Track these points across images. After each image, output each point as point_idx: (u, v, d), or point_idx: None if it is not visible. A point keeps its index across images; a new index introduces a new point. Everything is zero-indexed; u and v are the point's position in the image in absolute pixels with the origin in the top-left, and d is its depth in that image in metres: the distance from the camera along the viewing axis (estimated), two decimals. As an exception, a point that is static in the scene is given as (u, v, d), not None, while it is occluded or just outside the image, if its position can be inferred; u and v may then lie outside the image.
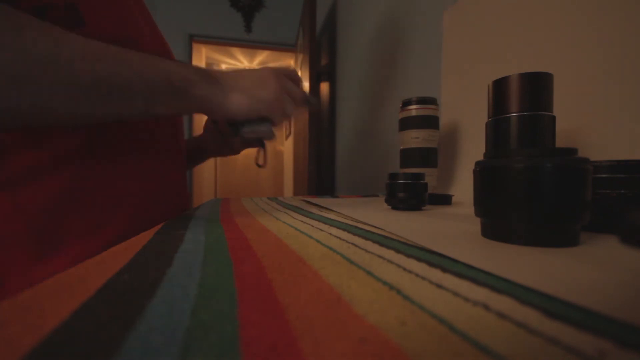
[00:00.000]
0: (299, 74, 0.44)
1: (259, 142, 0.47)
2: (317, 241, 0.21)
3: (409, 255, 0.17)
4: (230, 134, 0.42)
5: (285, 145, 4.38)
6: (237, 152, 0.56)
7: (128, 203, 0.38)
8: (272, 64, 3.81)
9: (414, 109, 0.54)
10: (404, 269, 0.15)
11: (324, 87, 2.07)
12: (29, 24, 0.24)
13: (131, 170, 0.38)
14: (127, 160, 0.38)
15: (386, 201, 0.41)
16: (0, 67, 0.22)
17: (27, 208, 0.31)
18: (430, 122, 0.54)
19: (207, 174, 4.27)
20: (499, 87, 0.25)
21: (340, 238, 0.22)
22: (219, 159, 4.56)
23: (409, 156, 0.56)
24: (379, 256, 0.17)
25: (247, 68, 0.43)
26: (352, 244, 0.20)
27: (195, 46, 2.78)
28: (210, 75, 0.35)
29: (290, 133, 3.59)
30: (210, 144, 0.57)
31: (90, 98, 0.27)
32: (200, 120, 2.66)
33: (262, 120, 0.40)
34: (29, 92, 0.23)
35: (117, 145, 0.37)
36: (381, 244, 0.20)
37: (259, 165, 0.48)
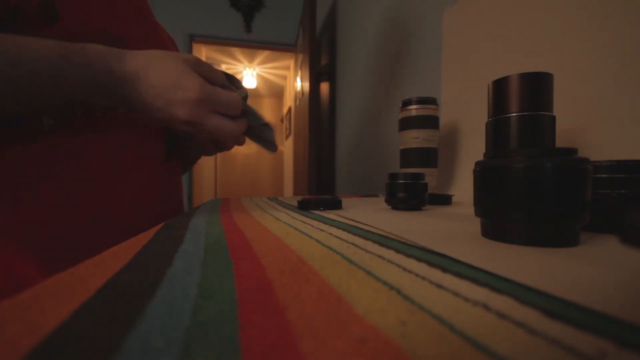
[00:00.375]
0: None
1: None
2: (317, 241, 0.21)
3: (409, 255, 0.17)
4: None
5: (285, 145, 4.38)
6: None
7: (115, 210, 0.37)
8: (272, 64, 3.81)
9: (414, 109, 0.54)
10: (404, 269, 0.15)
11: (324, 87, 2.07)
12: None
13: (119, 175, 0.38)
14: (112, 164, 0.37)
15: (386, 201, 0.41)
16: None
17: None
18: (430, 122, 0.54)
19: (207, 174, 4.27)
20: (499, 87, 0.25)
21: (340, 238, 0.22)
22: (219, 159, 4.56)
23: (409, 156, 0.56)
24: (379, 256, 0.17)
25: (175, 69, 0.33)
26: (352, 244, 0.20)
27: (195, 46, 2.79)
28: (112, 90, 0.31)
29: (290, 133, 3.59)
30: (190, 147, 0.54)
31: None
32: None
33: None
34: None
35: (103, 150, 0.37)
36: (381, 244, 0.20)
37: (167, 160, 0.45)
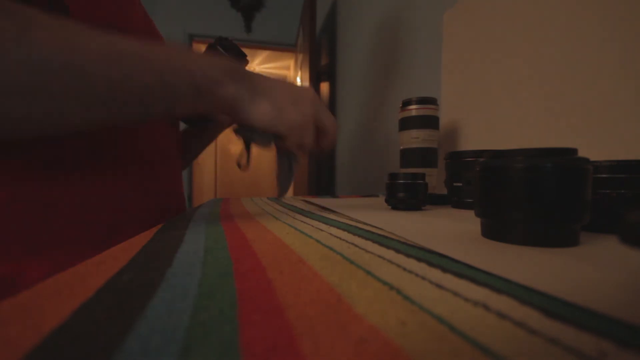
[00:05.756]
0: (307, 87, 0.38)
1: (248, 143, 0.40)
2: (317, 241, 0.21)
3: (409, 255, 0.17)
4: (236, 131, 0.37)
5: (285, 145, 4.38)
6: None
7: (112, 210, 0.37)
8: (272, 64, 3.81)
9: (414, 109, 0.54)
10: (404, 269, 0.15)
11: (324, 87, 2.07)
12: (36, 22, 0.22)
13: (115, 176, 0.37)
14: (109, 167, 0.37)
15: (386, 201, 0.41)
16: (4, 75, 0.20)
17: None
18: (430, 122, 0.54)
19: (207, 174, 4.27)
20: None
21: (340, 238, 0.22)
22: (219, 159, 4.56)
23: (409, 156, 0.56)
24: (379, 256, 0.17)
25: (285, 80, 0.37)
26: (352, 244, 0.20)
27: (195, 46, 2.78)
28: (238, 72, 0.31)
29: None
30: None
31: (107, 104, 0.25)
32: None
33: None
34: (38, 102, 0.22)
35: (99, 152, 0.36)
36: (381, 244, 0.20)
37: (239, 166, 0.41)
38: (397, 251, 0.18)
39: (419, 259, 0.16)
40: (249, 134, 0.36)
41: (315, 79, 1.77)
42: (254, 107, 0.32)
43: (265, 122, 0.33)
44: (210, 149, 4.31)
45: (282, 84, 0.34)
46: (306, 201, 0.58)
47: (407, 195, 0.39)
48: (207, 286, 0.13)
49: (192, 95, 0.29)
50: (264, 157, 4.83)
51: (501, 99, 0.53)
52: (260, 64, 3.83)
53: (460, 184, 0.42)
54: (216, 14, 2.74)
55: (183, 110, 0.30)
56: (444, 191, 0.47)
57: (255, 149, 0.41)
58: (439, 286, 0.12)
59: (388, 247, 0.19)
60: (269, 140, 0.36)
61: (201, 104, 0.30)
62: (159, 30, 0.50)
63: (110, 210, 0.36)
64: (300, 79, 2.21)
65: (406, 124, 0.55)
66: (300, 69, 2.17)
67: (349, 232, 0.25)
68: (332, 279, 0.13)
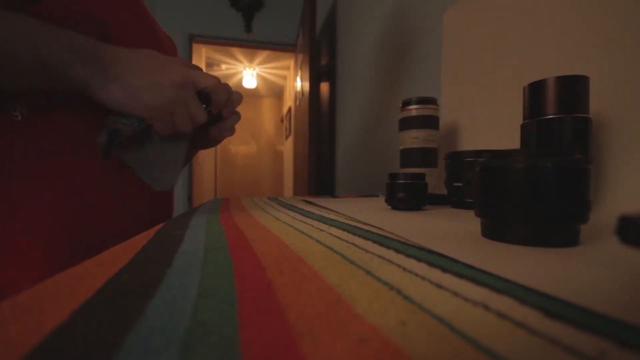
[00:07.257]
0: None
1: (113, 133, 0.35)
2: (317, 241, 0.21)
3: (409, 255, 0.17)
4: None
5: (285, 145, 4.38)
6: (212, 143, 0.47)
7: (97, 212, 0.36)
8: (272, 64, 3.81)
9: (414, 109, 0.54)
10: (404, 269, 0.15)
11: (324, 87, 2.07)
12: None
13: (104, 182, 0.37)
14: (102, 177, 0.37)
15: (386, 201, 0.41)
16: None
17: None
18: (430, 122, 0.54)
19: (207, 174, 4.27)
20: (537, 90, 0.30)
21: (340, 238, 0.22)
22: (219, 159, 4.56)
23: (409, 156, 0.56)
24: (379, 256, 0.17)
25: (158, 57, 0.35)
26: (352, 244, 0.20)
27: (195, 46, 2.78)
28: (93, 56, 0.31)
29: (290, 133, 3.59)
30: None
31: None
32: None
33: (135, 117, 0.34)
34: None
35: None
36: (381, 244, 0.20)
37: (104, 157, 0.35)
38: (397, 251, 0.18)
39: (419, 259, 0.16)
40: (114, 118, 0.34)
41: (315, 79, 1.77)
42: (104, 93, 0.32)
43: (117, 105, 0.33)
44: (210, 149, 4.31)
45: (143, 65, 0.34)
46: (306, 201, 0.58)
47: (407, 195, 0.39)
48: (207, 286, 0.13)
49: (38, 72, 0.29)
50: (264, 157, 4.83)
51: (501, 99, 0.53)
52: (260, 64, 3.83)
53: (460, 184, 0.42)
54: (216, 14, 2.73)
55: (33, 85, 0.31)
56: (444, 191, 0.47)
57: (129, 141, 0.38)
58: (439, 286, 0.12)
59: (388, 247, 0.19)
60: (134, 124, 0.34)
61: (50, 81, 0.31)
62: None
63: (91, 216, 0.36)
64: (300, 79, 2.21)
65: (406, 124, 0.55)
66: (300, 69, 2.17)
67: (349, 232, 0.25)
68: (332, 279, 0.13)
